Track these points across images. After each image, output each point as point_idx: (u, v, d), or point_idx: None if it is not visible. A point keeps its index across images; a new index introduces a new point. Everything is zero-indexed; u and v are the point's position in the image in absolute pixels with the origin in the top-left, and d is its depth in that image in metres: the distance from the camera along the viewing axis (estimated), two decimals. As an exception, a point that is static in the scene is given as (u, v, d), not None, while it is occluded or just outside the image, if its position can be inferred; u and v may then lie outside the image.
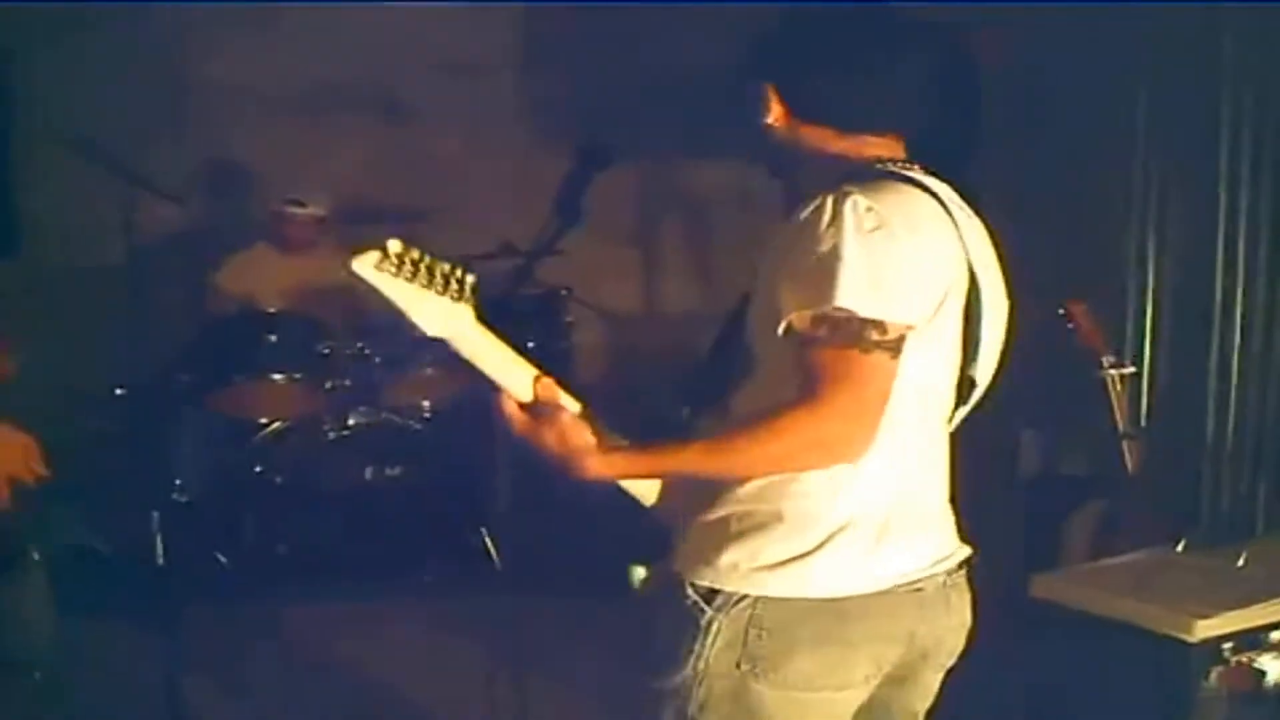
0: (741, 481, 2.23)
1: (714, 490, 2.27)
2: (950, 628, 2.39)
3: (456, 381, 5.96)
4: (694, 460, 2.19)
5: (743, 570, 2.23)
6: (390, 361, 5.89)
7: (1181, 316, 5.39)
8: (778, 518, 2.23)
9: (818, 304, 2.09)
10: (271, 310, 5.98)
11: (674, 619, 2.27)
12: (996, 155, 5.98)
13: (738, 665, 2.23)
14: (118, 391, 5.60)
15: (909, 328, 2.13)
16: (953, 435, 2.41)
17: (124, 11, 6.48)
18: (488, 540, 5.54)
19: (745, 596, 2.22)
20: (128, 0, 6.40)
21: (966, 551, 2.42)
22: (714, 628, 2.23)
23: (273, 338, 5.80)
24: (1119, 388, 4.60)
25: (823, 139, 2.36)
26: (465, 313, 2.25)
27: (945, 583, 2.35)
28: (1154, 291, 5.45)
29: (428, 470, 5.76)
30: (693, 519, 2.31)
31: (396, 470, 5.72)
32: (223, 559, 5.59)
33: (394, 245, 2.26)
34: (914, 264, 2.15)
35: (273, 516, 5.60)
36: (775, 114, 2.35)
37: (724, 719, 2.25)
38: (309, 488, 5.62)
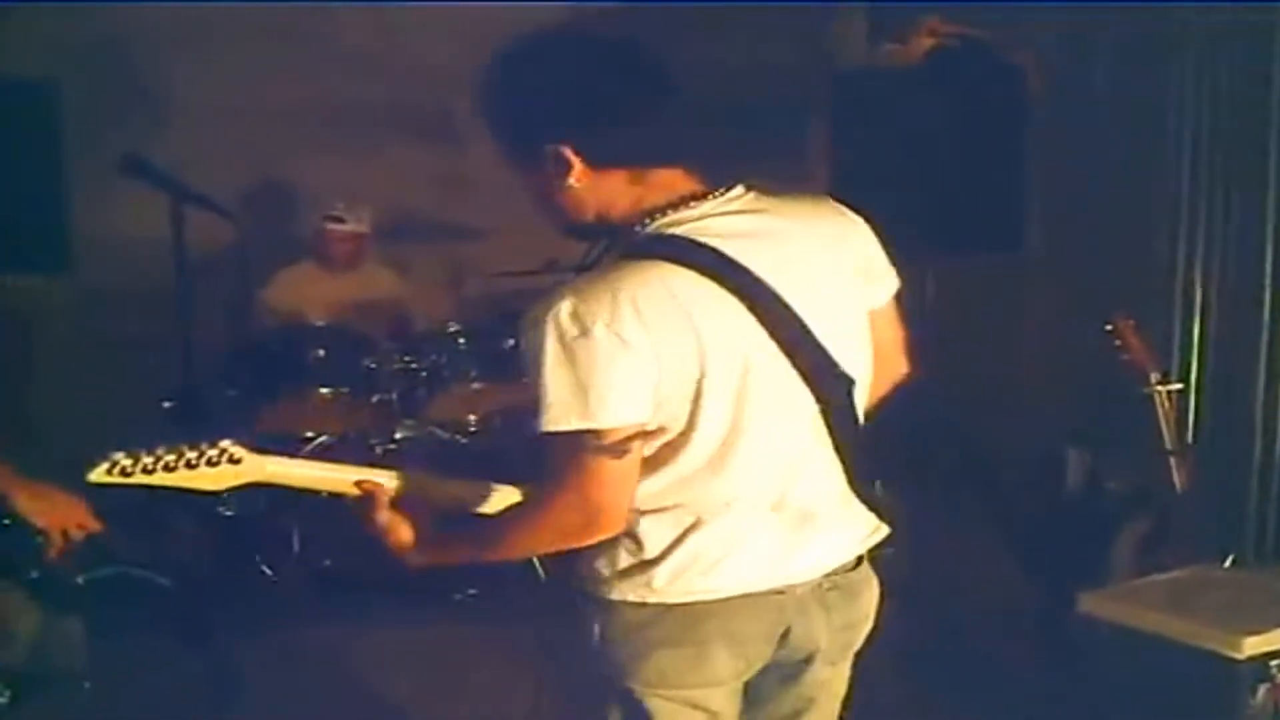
0: None
1: None
2: (837, 627, 2.48)
3: (502, 395, 5.98)
4: (474, 550, 2.58)
5: (603, 576, 2.37)
6: (436, 375, 5.91)
7: (1229, 333, 5.36)
8: (626, 529, 2.32)
9: (537, 426, 2.20)
10: (318, 325, 6.01)
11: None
12: (1043, 173, 6.00)
13: (609, 666, 2.39)
14: (165, 405, 5.63)
15: (635, 426, 2.19)
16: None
17: (172, 33, 6.54)
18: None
19: (611, 601, 2.36)
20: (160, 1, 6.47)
21: (858, 551, 2.49)
22: (594, 631, 2.39)
23: (320, 352, 5.83)
24: (1166, 405, 4.58)
25: (614, 189, 2.33)
26: (244, 472, 2.50)
27: (823, 584, 2.43)
28: (1201, 308, 5.43)
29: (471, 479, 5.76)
30: None
31: (442, 484, 5.72)
32: (268, 572, 5.61)
33: (118, 455, 2.47)
34: (627, 364, 2.16)
35: (317, 530, 5.61)
36: (576, 172, 2.31)
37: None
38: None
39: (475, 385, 5.96)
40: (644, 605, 2.33)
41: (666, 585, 2.32)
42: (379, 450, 5.68)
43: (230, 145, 6.75)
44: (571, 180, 2.30)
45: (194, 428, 5.60)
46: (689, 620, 2.33)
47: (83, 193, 4.95)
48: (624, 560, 2.34)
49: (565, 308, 2.15)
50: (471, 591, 5.57)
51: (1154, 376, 4.57)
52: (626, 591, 2.34)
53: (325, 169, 6.90)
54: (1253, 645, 3.49)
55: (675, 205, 2.29)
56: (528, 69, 2.39)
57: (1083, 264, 6.13)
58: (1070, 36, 5.66)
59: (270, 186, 7.02)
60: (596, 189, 2.31)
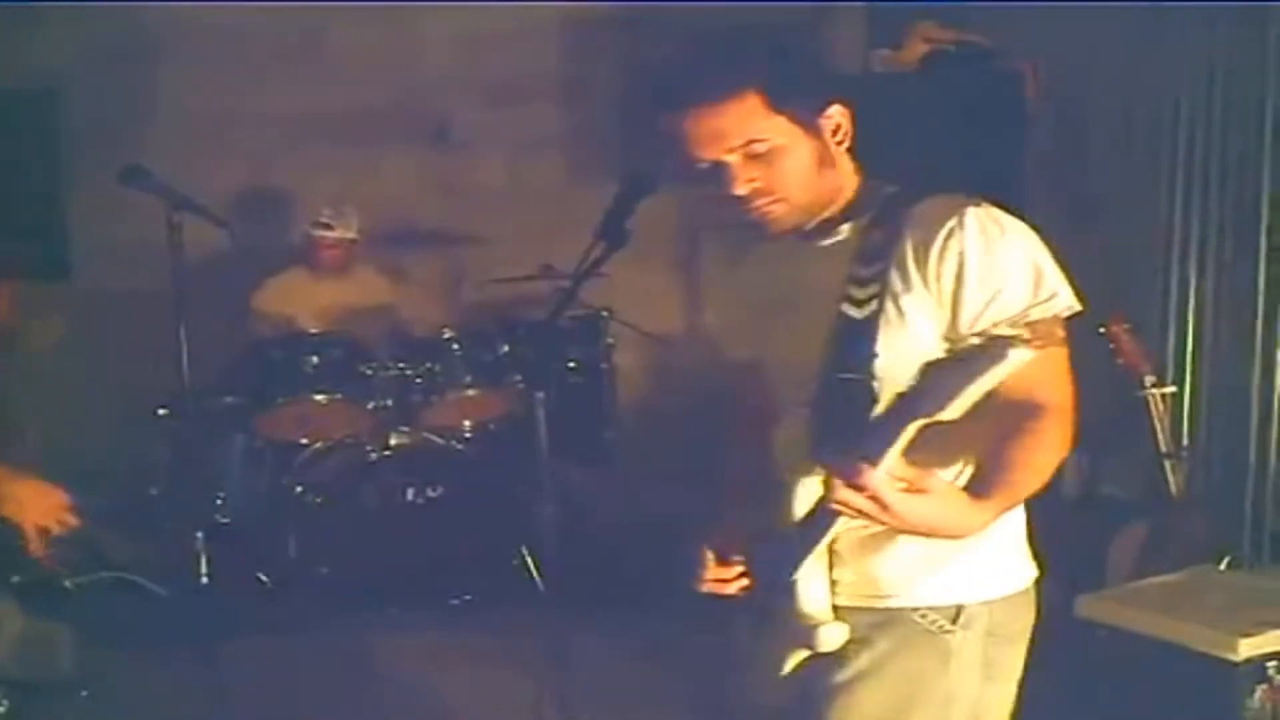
0: None
1: None
2: None
3: (497, 402, 5.98)
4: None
5: (976, 578, 2.29)
6: (431, 382, 5.91)
7: (1224, 336, 5.37)
8: None
9: (1039, 311, 2.22)
10: (313, 332, 6.02)
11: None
12: (1036, 176, 6.00)
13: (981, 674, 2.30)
14: (160, 412, 5.63)
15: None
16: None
17: (168, 39, 6.55)
18: (529, 560, 5.54)
19: (983, 603, 2.29)
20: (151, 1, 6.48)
21: None
22: (958, 645, 2.29)
23: (314, 359, 5.83)
24: (1161, 408, 4.59)
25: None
26: None
27: None
28: (1195, 311, 5.43)
29: (468, 490, 5.77)
30: (876, 544, 2.29)
31: (437, 490, 5.73)
32: (265, 579, 5.61)
33: None
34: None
35: (314, 537, 5.62)
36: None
37: None
38: (350, 508, 5.64)
39: (470, 392, 5.96)
40: (1011, 597, 2.34)
41: (1021, 570, 2.38)
42: (373, 457, 5.68)
43: (226, 152, 6.76)
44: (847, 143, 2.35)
45: (189, 435, 5.62)
46: (1026, 606, 2.39)
47: (81, 199, 4.96)
48: (987, 555, 2.30)
49: (981, 213, 2.22)
50: (467, 597, 5.57)
51: (1149, 380, 4.58)
52: (999, 585, 2.34)
53: (320, 175, 6.90)
54: (1249, 647, 3.50)
55: None
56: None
57: (1077, 267, 6.13)
58: (1065, 40, 5.66)
59: (266, 193, 7.02)
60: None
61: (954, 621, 2.28)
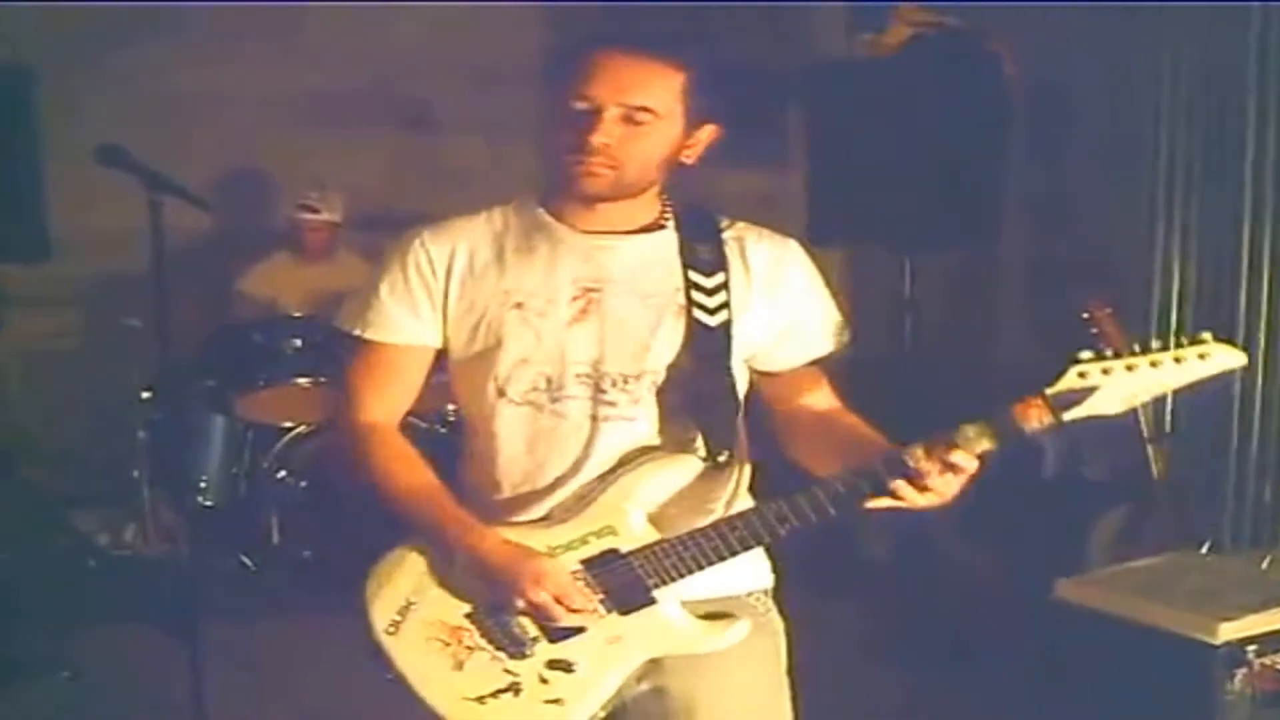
0: None
1: None
2: None
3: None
4: None
5: (761, 564, 2.52)
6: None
7: (1205, 321, 5.38)
8: None
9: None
10: (296, 315, 6.00)
11: None
12: (1020, 160, 6.00)
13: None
14: (143, 396, 5.62)
15: None
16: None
17: (147, 21, 6.52)
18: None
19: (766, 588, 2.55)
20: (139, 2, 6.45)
21: None
22: (777, 625, 2.49)
23: (297, 342, 5.82)
24: (1143, 392, 4.59)
25: None
26: None
27: None
28: (1178, 295, 5.44)
29: (451, 474, 5.75)
30: None
31: (421, 474, 5.71)
32: (247, 562, 5.60)
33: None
34: None
35: (296, 520, 5.61)
36: None
37: None
38: (333, 492, 5.63)
39: (453, 375, 5.94)
40: None
41: None
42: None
43: (208, 134, 6.73)
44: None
45: (171, 418, 5.60)
46: None
47: (60, 181, 4.93)
48: None
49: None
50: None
51: (1131, 364, 4.58)
52: None
53: (303, 158, 6.88)
54: (1229, 631, 3.51)
55: None
56: None
57: (1059, 252, 6.15)
58: (1046, 24, 5.66)
59: (248, 176, 7.00)
60: None
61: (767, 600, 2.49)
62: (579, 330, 2.34)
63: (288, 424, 5.76)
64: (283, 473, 5.63)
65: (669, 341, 2.35)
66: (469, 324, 2.41)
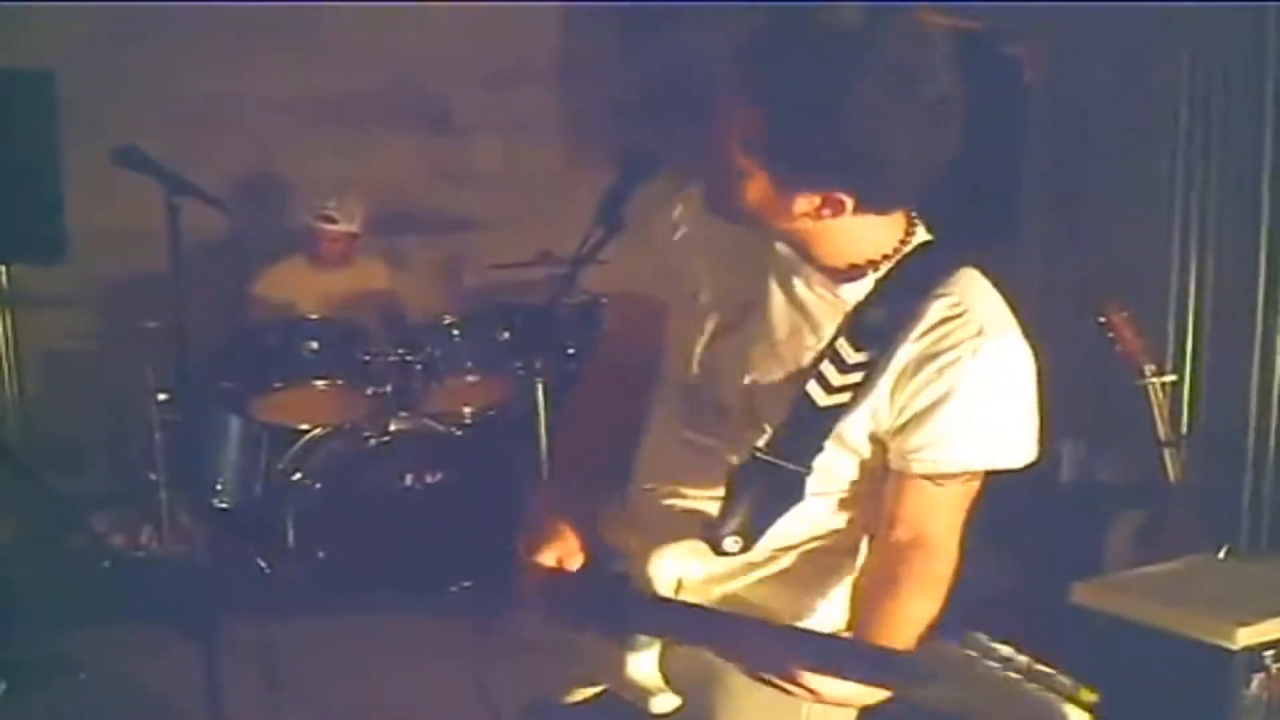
0: None
1: None
2: None
3: (497, 388, 5.98)
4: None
5: None
6: (430, 368, 5.91)
7: (1223, 324, 5.36)
8: None
9: (1000, 460, 2.17)
10: (313, 317, 6.00)
11: None
12: (1036, 163, 5.98)
13: None
14: (160, 397, 5.63)
15: None
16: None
17: (166, 23, 6.53)
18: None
19: None
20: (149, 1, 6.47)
21: None
22: None
23: (314, 344, 5.82)
24: (1160, 396, 4.59)
25: None
26: None
27: None
28: (1195, 299, 5.43)
29: (468, 477, 5.76)
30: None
31: (437, 477, 5.72)
32: (263, 565, 5.61)
33: None
34: None
35: (313, 523, 5.61)
36: None
37: None
38: (349, 494, 5.63)
39: (470, 378, 5.96)
40: None
41: None
42: (372, 443, 5.68)
43: (225, 135, 6.75)
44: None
45: (188, 419, 5.61)
46: None
47: (79, 182, 4.95)
48: None
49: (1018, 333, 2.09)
50: (466, 584, 5.57)
51: (1148, 368, 4.58)
52: None
53: (320, 160, 6.90)
54: (1247, 636, 3.50)
55: None
56: None
57: (1076, 255, 6.13)
58: (1065, 27, 5.65)
59: (265, 178, 7.01)
60: None
61: None
62: None
63: (304, 426, 5.77)
64: (299, 474, 5.64)
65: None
66: None
